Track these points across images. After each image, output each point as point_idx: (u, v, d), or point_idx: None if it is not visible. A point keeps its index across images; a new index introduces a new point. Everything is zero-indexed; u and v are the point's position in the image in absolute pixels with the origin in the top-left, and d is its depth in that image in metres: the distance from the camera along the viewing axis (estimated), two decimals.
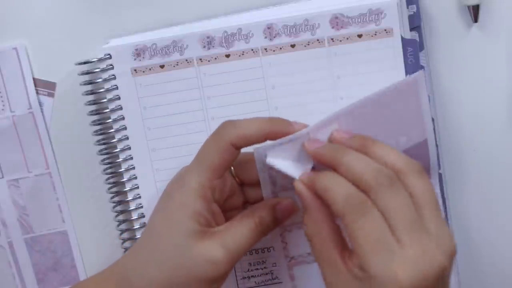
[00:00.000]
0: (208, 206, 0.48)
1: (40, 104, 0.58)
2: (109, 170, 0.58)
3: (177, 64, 0.56)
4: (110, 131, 0.57)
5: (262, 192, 0.50)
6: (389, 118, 0.49)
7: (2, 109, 0.58)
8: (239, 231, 0.48)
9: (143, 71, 0.56)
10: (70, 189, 0.60)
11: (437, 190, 0.53)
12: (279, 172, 0.48)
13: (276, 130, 0.48)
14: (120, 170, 0.57)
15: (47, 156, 0.59)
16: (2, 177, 0.59)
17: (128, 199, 0.58)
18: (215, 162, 0.48)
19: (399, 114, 0.50)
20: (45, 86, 0.59)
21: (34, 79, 0.58)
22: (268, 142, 0.48)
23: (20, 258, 0.60)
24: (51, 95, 0.58)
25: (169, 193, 0.50)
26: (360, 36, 0.54)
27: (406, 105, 0.50)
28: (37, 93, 0.58)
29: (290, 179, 0.48)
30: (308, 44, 0.55)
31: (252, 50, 0.55)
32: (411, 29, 0.55)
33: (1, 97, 0.58)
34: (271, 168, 0.48)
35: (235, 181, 0.52)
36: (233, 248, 0.47)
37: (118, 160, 0.57)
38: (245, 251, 0.48)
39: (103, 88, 0.56)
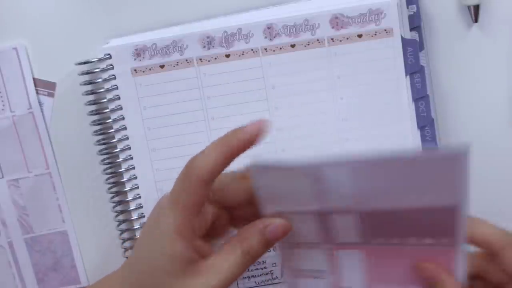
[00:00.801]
0: (188, 244, 0.46)
1: (40, 104, 0.58)
2: (109, 170, 0.58)
3: (177, 64, 0.56)
4: (110, 131, 0.57)
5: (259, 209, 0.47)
6: (413, 183, 0.43)
7: (2, 109, 0.58)
8: (225, 265, 0.46)
9: (143, 71, 0.56)
10: (70, 189, 0.60)
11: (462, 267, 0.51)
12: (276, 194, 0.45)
13: (233, 146, 0.45)
14: (120, 170, 0.57)
15: (47, 156, 0.59)
16: (2, 177, 0.59)
17: (128, 199, 0.58)
18: (188, 202, 0.46)
19: (426, 181, 0.43)
20: (45, 86, 0.59)
21: (34, 79, 0.58)
22: (265, 158, 0.44)
23: (20, 258, 0.60)
24: (51, 95, 0.58)
25: (148, 232, 0.48)
26: (360, 36, 0.54)
27: (437, 176, 0.43)
28: (37, 93, 0.58)
29: (289, 200, 0.46)
30: (308, 44, 0.55)
31: (252, 50, 0.55)
32: (411, 29, 0.55)
33: (1, 97, 0.58)
34: (268, 187, 0.45)
35: (216, 205, 0.49)
36: (218, 284, 0.46)
37: (118, 160, 0.57)
38: (233, 282, 0.47)
39: (103, 88, 0.56)
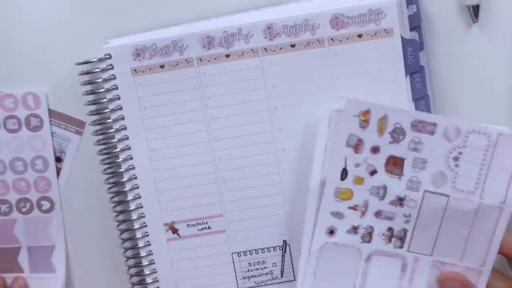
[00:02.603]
0: None
1: (67, 140, 0.58)
2: (109, 170, 0.58)
3: (177, 64, 0.56)
4: (110, 131, 0.57)
5: None
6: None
7: None
8: None
9: (143, 71, 0.56)
10: (70, 189, 0.60)
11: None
12: None
13: None
14: (120, 170, 0.57)
15: None
16: None
17: (128, 199, 0.58)
18: None
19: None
20: (74, 123, 0.58)
21: (63, 114, 0.58)
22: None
23: None
24: (79, 133, 0.58)
25: None
26: (360, 36, 0.54)
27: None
28: (65, 129, 0.58)
29: None
30: (308, 44, 0.55)
31: (252, 50, 0.55)
32: (411, 29, 0.55)
33: None
34: None
35: None
36: None
37: (118, 160, 0.57)
38: None
39: (103, 88, 0.56)
